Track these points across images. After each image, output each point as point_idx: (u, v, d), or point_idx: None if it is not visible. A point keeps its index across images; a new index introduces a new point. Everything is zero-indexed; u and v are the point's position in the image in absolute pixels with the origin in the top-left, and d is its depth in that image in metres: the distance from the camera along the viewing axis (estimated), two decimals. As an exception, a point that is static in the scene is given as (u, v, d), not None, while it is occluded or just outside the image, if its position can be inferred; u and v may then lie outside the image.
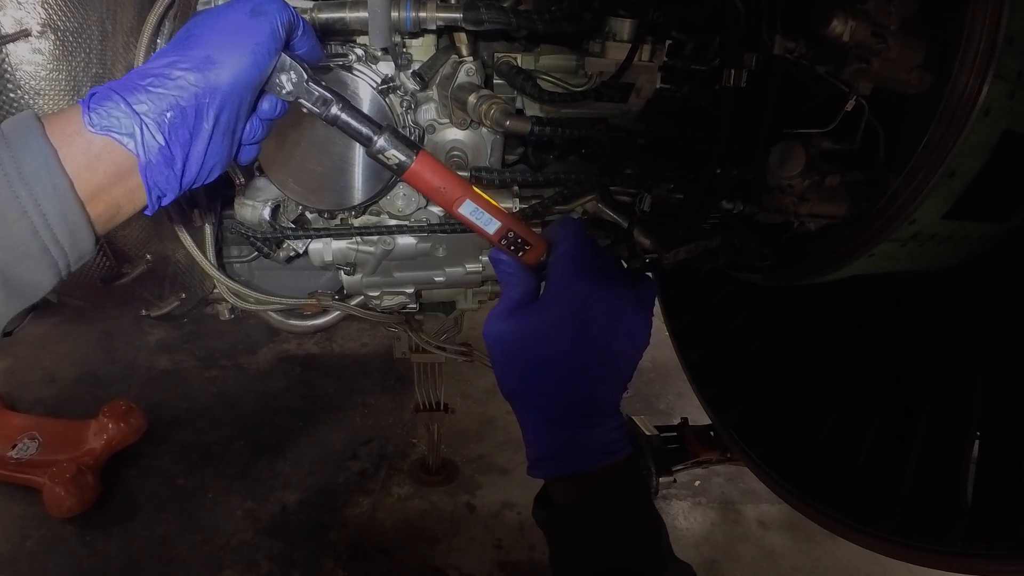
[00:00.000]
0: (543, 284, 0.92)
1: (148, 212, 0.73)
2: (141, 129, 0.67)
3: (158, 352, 3.76)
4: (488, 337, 0.91)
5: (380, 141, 0.83)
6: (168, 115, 0.68)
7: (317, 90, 0.80)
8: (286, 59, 0.78)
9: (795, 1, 1.13)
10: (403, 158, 0.84)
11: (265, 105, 0.81)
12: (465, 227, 0.93)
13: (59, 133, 0.65)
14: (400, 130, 1.09)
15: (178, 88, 0.68)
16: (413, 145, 0.86)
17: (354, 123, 0.83)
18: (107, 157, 0.67)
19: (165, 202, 0.74)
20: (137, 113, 0.67)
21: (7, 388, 3.31)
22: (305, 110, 0.82)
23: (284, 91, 0.79)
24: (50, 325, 3.90)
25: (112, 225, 0.72)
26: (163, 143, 0.68)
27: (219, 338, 3.85)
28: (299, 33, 0.79)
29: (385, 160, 0.84)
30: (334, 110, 0.82)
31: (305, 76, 0.79)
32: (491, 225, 0.90)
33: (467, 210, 0.89)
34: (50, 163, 0.63)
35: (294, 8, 0.78)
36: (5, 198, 0.61)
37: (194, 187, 0.76)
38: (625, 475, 0.88)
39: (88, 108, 0.66)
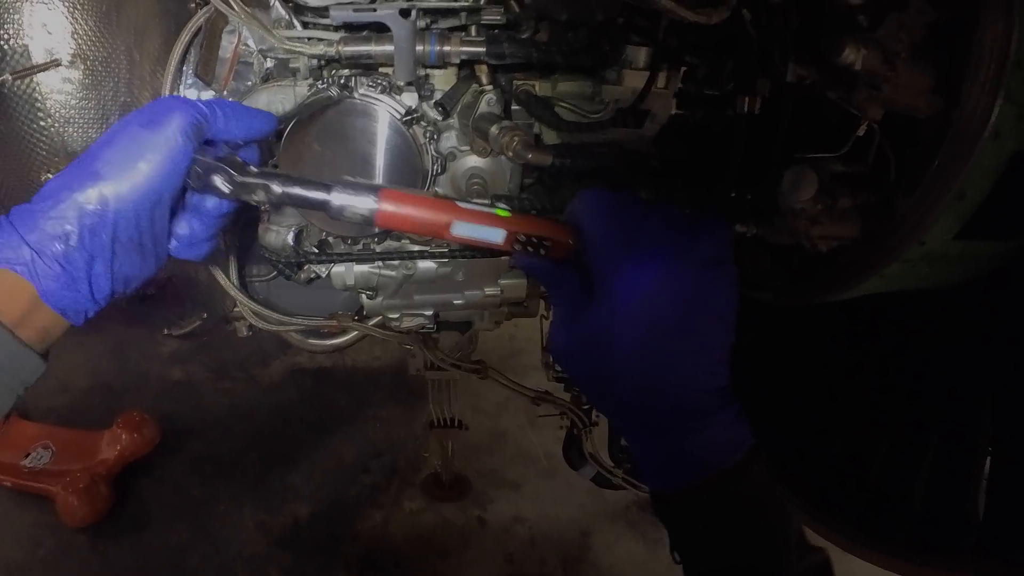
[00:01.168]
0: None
1: (77, 325, 0.75)
2: (32, 260, 0.67)
3: (171, 363, 3.77)
4: (554, 354, 0.83)
5: (336, 198, 0.77)
6: (57, 243, 0.68)
7: (251, 180, 0.77)
8: (208, 161, 0.75)
9: (807, 27, 1.15)
10: (369, 204, 0.77)
11: (209, 204, 0.80)
12: (485, 251, 0.89)
13: None
14: (423, 157, 1.10)
15: (67, 210, 0.68)
16: (371, 187, 0.78)
17: (303, 192, 0.77)
18: (20, 287, 0.68)
19: (92, 315, 0.74)
20: (27, 244, 0.67)
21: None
22: (253, 203, 0.79)
23: (223, 191, 0.76)
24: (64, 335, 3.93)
25: (52, 342, 0.73)
26: (59, 270, 0.68)
27: (232, 350, 3.85)
28: (219, 123, 0.77)
29: (352, 218, 0.77)
30: (277, 188, 0.77)
31: (232, 174, 0.76)
32: (495, 235, 0.81)
33: (461, 230, 0.80)
34: None
35: (203, 101, 0.76)
36: None
37: (116, 297, 0.76)
38: (742, 473, 0.77)
39: None
